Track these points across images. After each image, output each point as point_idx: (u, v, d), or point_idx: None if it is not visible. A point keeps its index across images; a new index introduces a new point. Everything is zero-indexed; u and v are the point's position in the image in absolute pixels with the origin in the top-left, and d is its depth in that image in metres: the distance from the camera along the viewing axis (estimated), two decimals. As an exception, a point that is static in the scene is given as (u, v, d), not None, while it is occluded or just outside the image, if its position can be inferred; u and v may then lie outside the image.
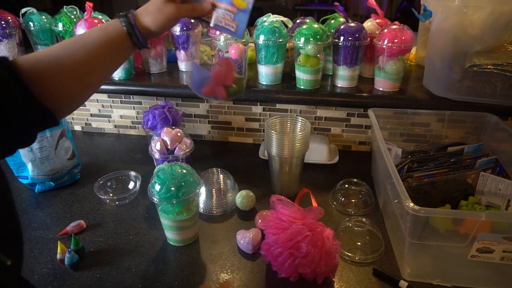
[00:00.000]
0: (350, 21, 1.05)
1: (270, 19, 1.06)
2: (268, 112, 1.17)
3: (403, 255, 0.69)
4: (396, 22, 1.01)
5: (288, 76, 1.15)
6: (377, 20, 1.12)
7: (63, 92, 0.54)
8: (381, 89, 1.06)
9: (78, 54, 0.55)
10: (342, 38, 1.01)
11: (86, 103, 1.27)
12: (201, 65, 0.80)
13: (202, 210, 0.88)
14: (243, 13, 0.66)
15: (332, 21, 1.18)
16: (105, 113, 1.30)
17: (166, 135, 0.96)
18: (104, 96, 1.26)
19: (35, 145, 0.92)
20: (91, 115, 1.31)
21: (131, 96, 1.24)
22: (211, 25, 0.69)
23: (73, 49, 0.56)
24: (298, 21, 1.18)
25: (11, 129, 0.48)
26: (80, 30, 1.10)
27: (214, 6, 0.67)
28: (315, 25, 1.01)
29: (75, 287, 0.68)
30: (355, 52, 1.02)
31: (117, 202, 0.91)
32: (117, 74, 1.15)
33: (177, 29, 1.12)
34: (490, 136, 0.94)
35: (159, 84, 1.14)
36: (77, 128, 1.35)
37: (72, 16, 1.20)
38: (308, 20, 1.14)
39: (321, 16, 1.22)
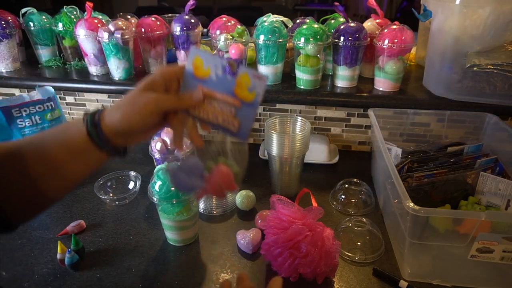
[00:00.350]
0: (350, 21, 1.05)
1: (270, 19, 1.06)
2: (268, 112, 1.17)
3: (403, 255, 0.69)
4: (396, 22, 1.01)
5: (288, 76, 1.15)
6: (377, 20, 1.12)
7: (8, 193, 0.45)
8: (381, 89, 1.07)
9: (32, 153, 0.47)
10: (342, 38, 1.01)
11: (86, 103, 1.27)
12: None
13: (202, 210, 0.88)
14: (249, 107, 0.49)
15: (332, 21, 1.18)
16: (105, 113, 1.29)
17: (166, 135, 0.96)
18: (104, 96, 1.26)
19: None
20: (91, 115, 1.31)
21: (131, 96, 1.24)
22: (207, 123, 0.51)
23: (29, 146, 0.48)
24: (298, 21, 1.18)
25: None
26: (80, 30, 1.11)
27: (208, 97, 0.50)
28: (315, 25, 1.01)
29: (75, 287, 0.68)
30: (355, 52, 1.02)
31: (117, 202, 0.91)
32: (117, 74, 1.15)
33: (177, 29, 1.12)
34: (490, 136, 0.93)
35: (159, 84, 1.14)
36: (77, 128, 1.35)
37: (72, 16, 1.20)
38: (308, 20, 1.14)
39: (321, 16, 1.22)
